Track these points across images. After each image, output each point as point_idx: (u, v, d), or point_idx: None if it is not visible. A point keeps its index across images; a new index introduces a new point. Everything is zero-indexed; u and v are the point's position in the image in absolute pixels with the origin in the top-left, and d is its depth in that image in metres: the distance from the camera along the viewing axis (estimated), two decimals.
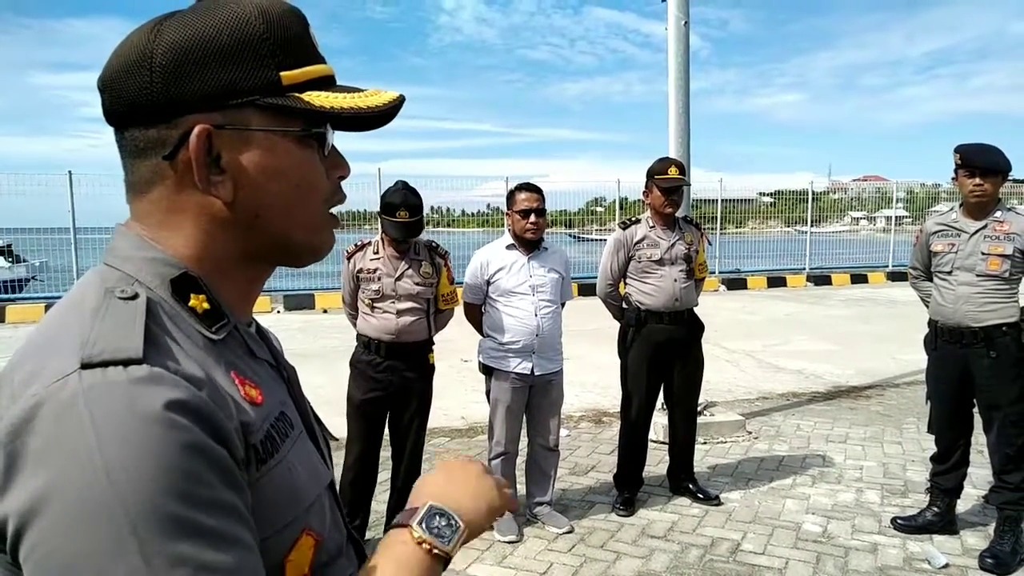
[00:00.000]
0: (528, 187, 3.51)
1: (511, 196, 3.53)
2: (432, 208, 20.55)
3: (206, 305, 0.64)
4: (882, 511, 3.70)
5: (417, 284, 3.23)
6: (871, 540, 3.40)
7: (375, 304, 3.22)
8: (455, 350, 8.03)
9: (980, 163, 3.12)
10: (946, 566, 3.13)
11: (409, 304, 3.22)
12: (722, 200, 17.51)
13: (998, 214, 3.21)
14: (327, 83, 0.68)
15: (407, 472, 3.33)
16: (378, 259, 3.24)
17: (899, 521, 3.51)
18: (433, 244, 3.45)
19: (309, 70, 0.66)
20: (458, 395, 6.10)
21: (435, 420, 5.37)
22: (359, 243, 3.34)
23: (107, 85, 0.64)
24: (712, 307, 10.58)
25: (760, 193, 28.04)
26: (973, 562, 3.14)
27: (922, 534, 3.41)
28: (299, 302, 12.40)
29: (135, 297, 0.59)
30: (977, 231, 3.22)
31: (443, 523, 0.70)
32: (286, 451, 0.64)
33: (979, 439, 3.34)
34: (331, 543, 0.69)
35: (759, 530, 3.53)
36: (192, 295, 0.63)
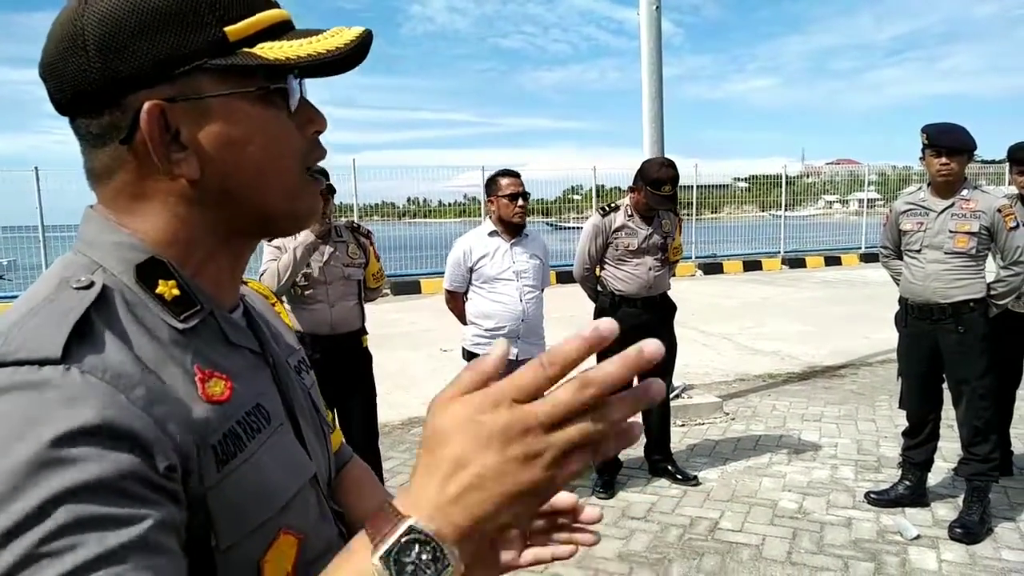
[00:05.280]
0: (509, 172, 3.52)
1: (493, 182, 3.53)
2: (409, 199, 20.47)
3: (176, 292, 0.59)
4: (856, 486, 3.77)
5: (346, 266, 3.22)
6: (845, 515, 3.47)
7: (306, 293, 3.16)
8: (434, 340, 8.05)
9: (946, 142, 3.17)
10: (917, 537, 3.20)
11: (341, 289, 3.20)
12: (698, 186, 17.63)
13: (965, 192, 3.26)
14: (283, 30, 0.62)
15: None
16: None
17: (872, 495, 3.58)
18: (355, 224, 3.46)
19: (257, 19, 0.60)
20: (438, 384, 6.05)
21: (415, 410, 5.41)
22: None
23: (47, 73, 0.59)
24: (689, 292, 10.69)
25: (735, 178, 28.25)
26: (943, 533, 3.22)
27: (894, 507, 3.48)
28: None
29: (90, 286, 0.55)
30: (944, 209, 3.28)
31: (424, 558, 0.44)
32: (255, 448, 0.59)
33: (949, 413, 3.41)
34: (318, 540, 0.65)
35: (736, 508, 3.58)
36: (160, 281, 0.59)
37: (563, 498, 0.65)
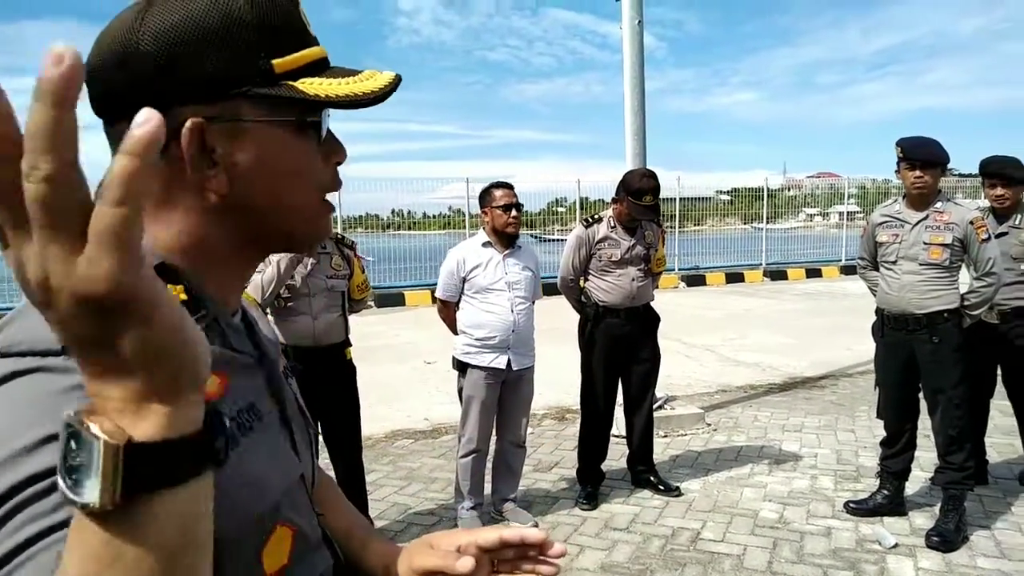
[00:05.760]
0: (503, 184, 3.56)
1: (487, 194, 3.56)
2: (393, 211, 20.44)
3: (183, 296, 0.61)
4: (835, 496, 3.81)
5: (329, 278, 3.23)
6: (825, 524, 3.50)
7: (289, 304, 3.16)
8: (418, 352, 8.03)
9: (920, 156, 3.24)
10: (895, 546, 3.24)
11: (324, 301, 3.20)
12: (681, 198, 17.78)
13: (939, 205, 3.33)
14: (321, 66, 0.66)
15: (347, 483, 3.33)
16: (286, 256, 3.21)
17: (851, 505, 3.62)
18: (339, 236, 3.47)
19: (302, 55, 0.63)
20: (422, 397, 6.09)
21: (398, 423, 5.39)
22: None
23: (92, 76, 0.61)
24: (672, 303, 10.74)
25: (718, 191, 28.54)
26: (921, 541, 3.26)
27: (873, 516, 3.52)
28: None
29: None
30: (919, 221, 3.34)
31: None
32: (248, 444, 0.62)
33: (926, 423, 3.46)
34: (311, 534, 0.68)
35: (718, 519, 3.60)
36: (168, 286, 0.61)
37: (535, 534, 0.75)
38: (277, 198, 0.64)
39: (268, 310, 3.13)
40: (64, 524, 0.44)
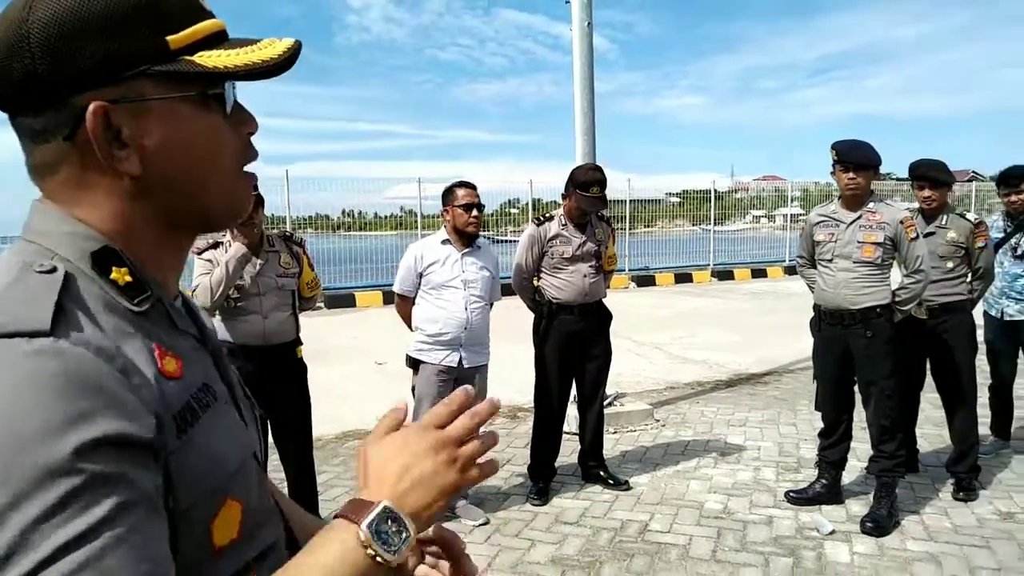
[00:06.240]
0: (466, 184, 3.60)
1: (449, 193, 3.59)
2: (343, 211, 20.19)
3: (128, 278, 0.63)
4: (777, 486, 3.94)
5: (279, 276, 3.21)
6: (767, 513, 3.62)
7: (238, 304, 3.11)
8: (369, 353, 7.97)
9: (853, 158, 3.39)
10: (833, 532, 3.37)
11: (275, 300, 3.18)
12: (631, 200, 18.03)
13: (871, 205, 3.48)
14: (219, 39, 0.67)
15: (298, 483, 3.30)
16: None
17: (792, 494, 3.75)
18: (287, 234, 3.46)
19: (196, 29, 0.65)
20: (373, 397, 6.05)
21: (349, 423, 5.35)
22: (211, 240, 3.18)
23: None
24: (623, 303, 10.87)
25: (668, 193, 28.99)
26: (856, 527, 3.40)
27: (812, 505, 3.66)
28: None
29: (53, 271, 0.59)
30: (853, 221, 3.49)
31: (393, 529, 0.62)
32: (207, 420, 0.64)
33: (862, 415, 3.60)
34: (260, 509, 0.70)
35: (665, 511, 3.69)
36: (114, 268, 0.62)
37: (457, 546, 0.82)
38: (190, 173, 0.66)
39: (217, 312, 3.08)
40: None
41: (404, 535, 0.63)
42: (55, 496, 0.49)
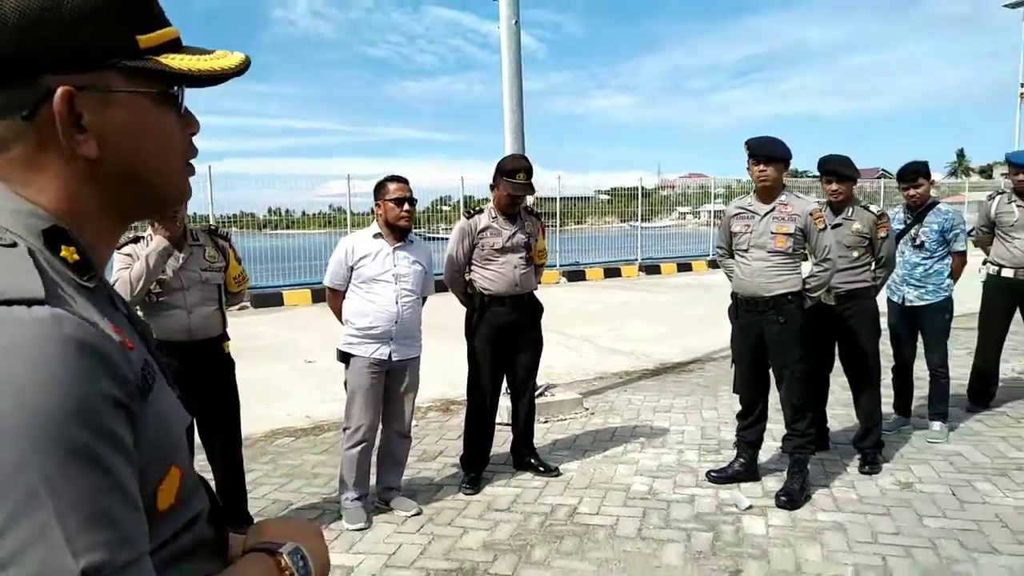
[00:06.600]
0: (398, 178, 3.59)
1: (381, 187, 3.59)
2: (270, 209, 19.71)
3: (76, 256, 0.65)
4: (699, 467, 4.12)
5: (204, 270, 3.17)
6: (689, 492, 3.78)
7: (161, 299, 3.06)
8: (298, 351, 7.85)
9: (763, 152, 3.58)
10: (750, 507, 3.56)
11: (199, 294, 3.14)
12: (562, 198, 18.29)
13: (783, 197, 3.68)
14: (177, 45, 0.72)
15: (226, 481, 3.26)
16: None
17: (712, 474, 3.93)
18: (212, 227, 3.43)
19: (164, 32, 0.70)
20: (302, 395, 5.98)
21: (278, 421, 5.27)
22: (131, 235, 3.11)
23: None
24: (554, 298, 11.02)
25: (597, 191, 29.50)
26: (771, 502, 3.60)
27: (731, 483, 3.85)
28: None
29: (14, 245, 0.60)
30: (767, 213, 3.68)
31: (302, 564, 0.77)
32: (156, 391, 0.67)
33: (777, 397, 3.80)
34: (191, 480, 0.73)
35: (594, 494, 3.80)
36: (63, 247, 0.65)
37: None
38: (144, 160, 0.71)
39: (138, 307, 3.00)
40: None
41: (309, 571, 0.78)
42: (67, 452, 0.53)
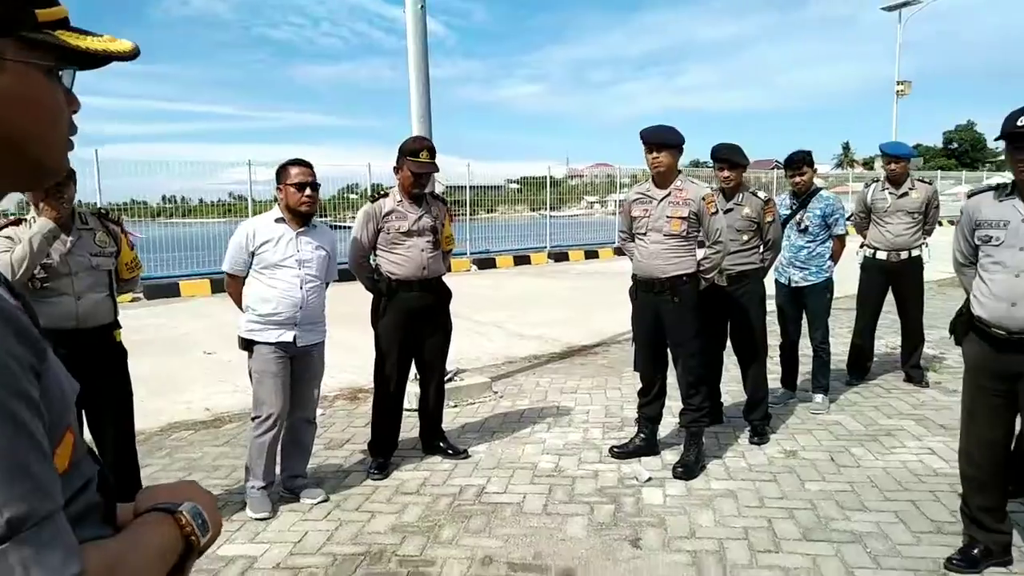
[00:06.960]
0: (300, 162, 3.50)
1: (283, 170, 3.49)
2: (164, 197, 18.75)
3: None
4: (603, 444, 4.27)
5: (94, 255, 3.04)
6: (593, 468, 3.92)
7: (46, 285, 2.91)
8: (195, 343, 7.56)
9: (655, 140, 3.74)
10: (649, 480, 3.73)
11: (89, 280, 3.00)
12: (472, 186, 18.30)
13: (678, 183, 3.84)
14: (66, 23, 0.73)
15: (119, 475, 3.13)
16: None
17: (615, 449, 4.09)
18: (103, 211, 3.31)
19: (60, 9, 0.72)
20: (201, 388, 5.76)
21: (177, 414, 5.07)
22: (12, 217, 2.95)
23: None
24: (464, 285, 11.07)
25: (507, 180, 29.67)
26: (669, 474, 3.79)
27: (632, 458, 4.01)
28: None
29: None
30: (663, 198, 3.84)
31: (199, 521, 0.82)
32: (51, 356, 0.69)
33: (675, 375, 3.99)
34: (81, 446, 0.74)
35: (501, 474, 3.88)
36: None
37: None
38: (34, 131, 0.72)
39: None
40: None
41: (206, 527, 0.83)
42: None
